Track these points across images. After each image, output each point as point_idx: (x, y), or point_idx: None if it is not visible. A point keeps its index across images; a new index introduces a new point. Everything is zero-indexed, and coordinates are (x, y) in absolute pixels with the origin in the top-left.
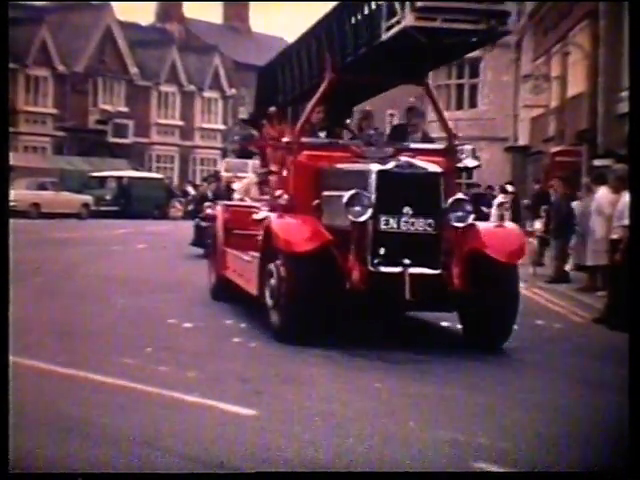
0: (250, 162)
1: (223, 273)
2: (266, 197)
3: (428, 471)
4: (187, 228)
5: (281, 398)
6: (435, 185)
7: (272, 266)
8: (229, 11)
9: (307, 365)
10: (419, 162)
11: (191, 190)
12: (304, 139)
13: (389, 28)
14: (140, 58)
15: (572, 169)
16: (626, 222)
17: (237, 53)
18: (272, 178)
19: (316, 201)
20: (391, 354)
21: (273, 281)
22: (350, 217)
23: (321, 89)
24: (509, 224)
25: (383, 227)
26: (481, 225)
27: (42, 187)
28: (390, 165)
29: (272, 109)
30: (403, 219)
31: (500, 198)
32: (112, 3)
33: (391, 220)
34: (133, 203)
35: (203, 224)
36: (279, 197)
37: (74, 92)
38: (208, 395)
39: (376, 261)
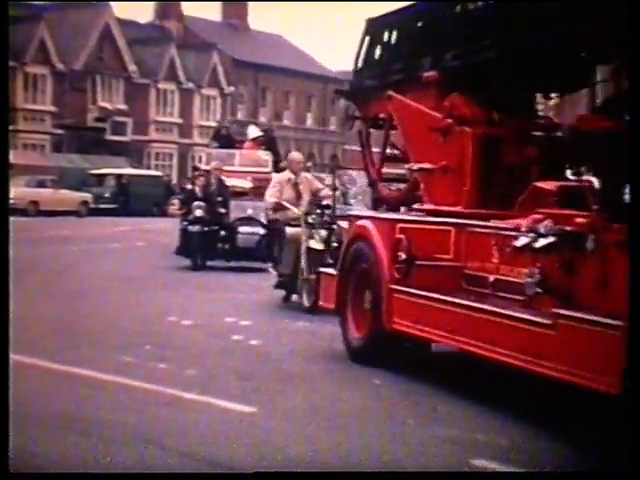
0: (237, 153)
1: (392, 325)
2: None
3: (428, 471)
4: None
5: (281, 395)
6: None
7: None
8: (228, 9)
9: (307, 363)
10: None
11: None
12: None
13: None
14: (139, 56)
15: None
16: None
17: (236, 51)
18: (424, 178)
19: None
20: None
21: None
22: None
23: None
24: None
25: None
26: None
27: (41, 185)
28: None
29: (431, 74)
30: None
31: None
32: (111, 2)
33: None
34: (132, 201)
35: (191, 228)
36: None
37: (73, 90)
38: (207, 392)
39: None
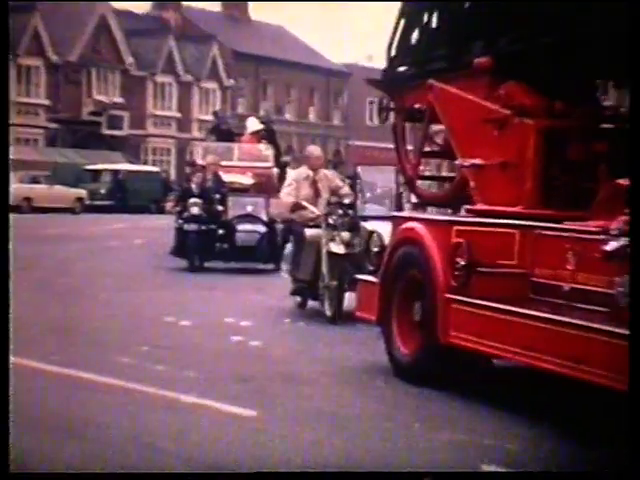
0: (235, 147)
1: (448, 339)
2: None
3: (428, 471)
4: None
5: (282, 398)
6: None
7: None
8: (228, 3)
9: (310, 364)
10: None
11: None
12: None
13: None
14: (135, 47)
15: None
16: None
17: (236, 42)
18: (473, 175)
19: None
20: None
21: None
22: None
23: None
24: None
25: None
26: None
27: (34, 181)
28: None
29: (483, 60)
30: None
31: None
32: None
33: None
34: (128, 197)
35: (187, 227)
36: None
37: (67, 82)
38: (206, 395)
39: None
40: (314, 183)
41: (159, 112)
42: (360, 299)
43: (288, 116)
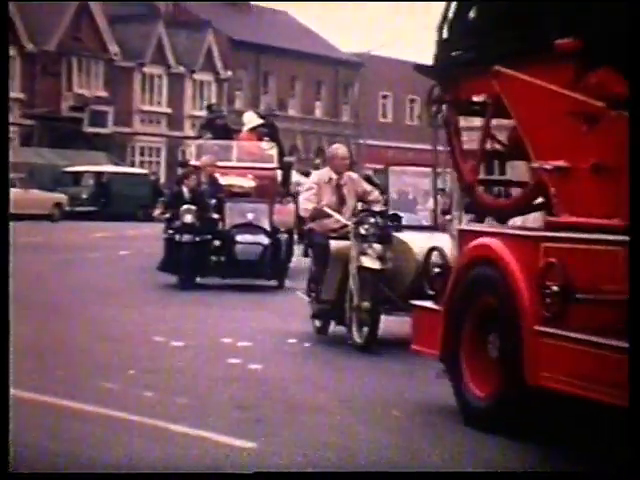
0: (234, 145)
1: (538, 380)
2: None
3: (428, 471)
4: None
5: (285, 429)
6: None
7: None
8: None
9: (316, 390)
10: None
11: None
12: None
13: None
14: (121, 35)
15: None
16: None
17: (234, 30)
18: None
19: None
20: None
21: None
22: None
23: None
24: None
25: None
26: None
27: None
28: None
29: (568, 41)
30: None
31: None
32: None
33: None
34: (113, 203)
35: (180, 238)
36: None
37: (45, 74)
38: (200, 425)
39: None
40: (338, 187)
41: (147, 107)
42: (417, 330)
43: (292, 112)
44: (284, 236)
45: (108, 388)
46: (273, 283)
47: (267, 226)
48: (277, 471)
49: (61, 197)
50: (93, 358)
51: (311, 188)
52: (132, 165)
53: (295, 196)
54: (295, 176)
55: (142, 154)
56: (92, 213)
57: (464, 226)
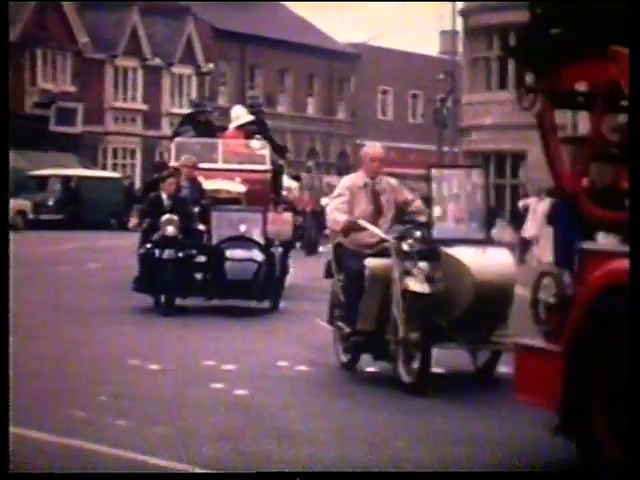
0: (219, 143)
1: None
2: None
3: (429, 471)
4: None
5: (274, 461)
6: None
7: None
8: None
9: (307, 419)
10: None
11: None
12: None
13: None
14: (91, 24)
15: None
16: None
17: (217, 18)
18: None
19: None
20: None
21: None
22: None
23: None
24: None
25: None
26: None
27: None
28: None
29: None
30: None
31: None
32: None
33: None
34: (83, 210)
35: (160, 254)
36: None
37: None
38: (179, 457)
39: None
40: (375, 195)
41: (121, 104)
42: (523, 374)
43: (281, 109)
44: (279, 250)
45: (77, 416)
46: (266, 305)
47: (261, 239)
48: (277, 471)
49: (25, 204)
50: (60, 383)
51: (342, 195)
52: (104, 168)
53: (286, 202)
54: (286, 181)
55: (115, 156)
56: (59, 222)
57: (588, 245)
